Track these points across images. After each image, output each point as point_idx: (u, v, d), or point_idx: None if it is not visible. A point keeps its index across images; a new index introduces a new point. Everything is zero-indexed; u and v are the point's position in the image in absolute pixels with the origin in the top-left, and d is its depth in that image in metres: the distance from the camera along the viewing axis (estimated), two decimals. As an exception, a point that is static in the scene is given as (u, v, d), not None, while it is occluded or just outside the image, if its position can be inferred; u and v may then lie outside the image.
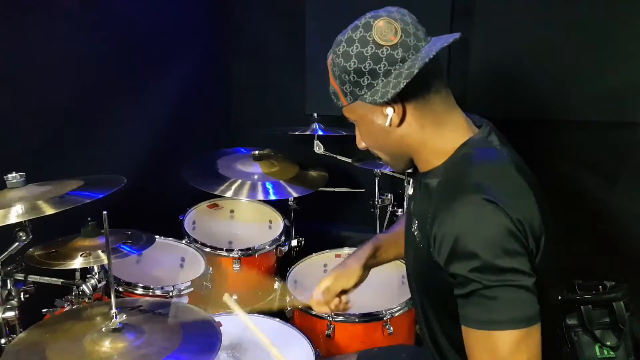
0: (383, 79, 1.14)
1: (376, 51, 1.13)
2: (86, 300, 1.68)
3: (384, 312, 2.02)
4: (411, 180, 1.44)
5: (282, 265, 2.52)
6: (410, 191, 1.40)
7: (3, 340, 1.55)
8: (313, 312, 2.02)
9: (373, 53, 1.13)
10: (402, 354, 1.67)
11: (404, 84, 1.11)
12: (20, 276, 1.59)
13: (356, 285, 1.54)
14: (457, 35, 1.16)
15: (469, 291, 1.05)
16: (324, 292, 1.50)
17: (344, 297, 1.53)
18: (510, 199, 1.06)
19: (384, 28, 1.13)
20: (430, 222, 1.12)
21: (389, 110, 1.17)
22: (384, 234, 1.68)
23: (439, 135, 1.20)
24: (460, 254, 1.04)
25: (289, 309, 2.15)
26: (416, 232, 1.26)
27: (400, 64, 1.13)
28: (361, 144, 1.31)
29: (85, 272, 1.72)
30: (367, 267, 1.56)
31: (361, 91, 1.16)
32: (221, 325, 1.48)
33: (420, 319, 1.36)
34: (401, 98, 1.15)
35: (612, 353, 2.03)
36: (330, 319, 2.00)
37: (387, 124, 1.18)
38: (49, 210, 1.47)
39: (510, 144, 1.25)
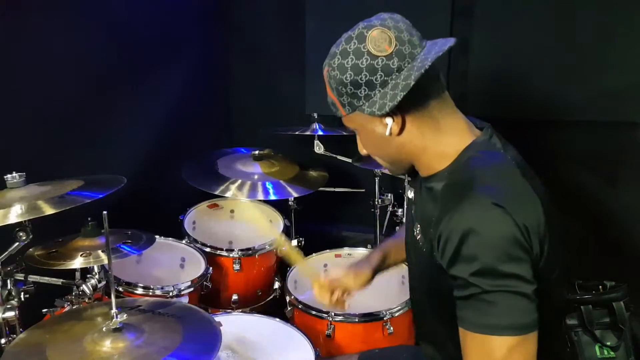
0: (380, 89, 1.13)
1: (372, 62, 1.11)
2: (86, 300, 1.68)
3: (384, 312, 2.02)
4: (409, 185, 1.44)
5: (282, 265, 2.52)
6: (410, 196, 1.40)
7: (3, 341, 1.55)
8: (313, 312, 2.03)
9: (369, 64, 1.11)
10: (403, 354, 1.67)
11: (401, 96, 1.10)
12: (20, 276, 1.59)
13: (361, 287, 1.58)
14: (452, 41, 1.15)
15: (469, 294, 1.05)
16: (330, 281, 1.55)
17: (345, 294, 1.57)
18: (517, 204, 1.06)
19: (378, 38, 1.11)
20: (435, 224, 1.11)
21: (389, 120, 1.16)
22: (391, 240, 1.71)
23: (439, 140, 1.19)
24: (463, 256, 1.04)
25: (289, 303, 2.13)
26: (419, 236, 1.25)
27: (397, 74, 1.11)
28: (363, 151, 1.31)
29: (85, 272, 1.72)
30: (375, 272, 1.60)
31: (359, 102, 1.16)
32: (221, 325, 1.47)
33: (418, 320, 1.36)
34: (400, 108, 1.14)
35: (612, 353, 2.03)
36: (331, 319, 1.99)
37: (387, 133, 1.17)
38: (49, 210, 1.47)
39: (511, 145, 1.25)
